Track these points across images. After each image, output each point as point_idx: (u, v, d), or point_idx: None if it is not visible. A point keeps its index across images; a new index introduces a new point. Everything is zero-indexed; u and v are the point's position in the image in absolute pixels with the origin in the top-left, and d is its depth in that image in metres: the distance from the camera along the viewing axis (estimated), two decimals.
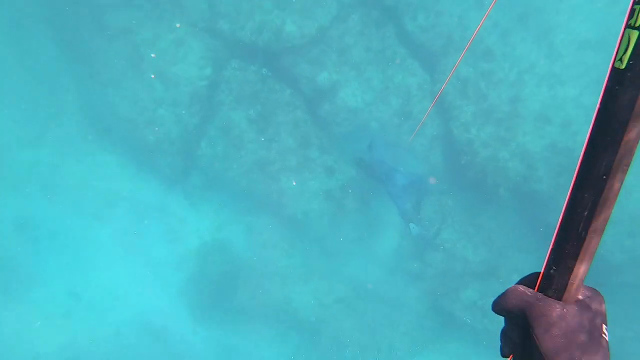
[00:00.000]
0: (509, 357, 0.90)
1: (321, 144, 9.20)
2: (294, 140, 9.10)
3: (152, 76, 9.32)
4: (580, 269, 0.78)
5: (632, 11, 0.70)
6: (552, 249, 0.80)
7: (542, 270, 0.85)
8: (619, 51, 0.70)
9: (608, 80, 0.71)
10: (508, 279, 8.64)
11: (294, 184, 9.20)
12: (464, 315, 8.70)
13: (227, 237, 9.80)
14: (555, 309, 0.76)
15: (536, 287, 0.83)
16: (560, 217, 0.78)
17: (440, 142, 8.91)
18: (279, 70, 9.38)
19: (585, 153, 0.74)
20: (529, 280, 0.86)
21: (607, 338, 0.77)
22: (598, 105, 0.73)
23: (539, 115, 8.45)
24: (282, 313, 9.25)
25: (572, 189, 0.77)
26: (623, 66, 0.69)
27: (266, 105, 9.29)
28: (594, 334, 0.75)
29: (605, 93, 0.72)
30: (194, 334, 9.69)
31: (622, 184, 0.73)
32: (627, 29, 0.70)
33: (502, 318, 0.89)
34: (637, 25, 0.68)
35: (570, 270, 0.78)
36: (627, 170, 0.74)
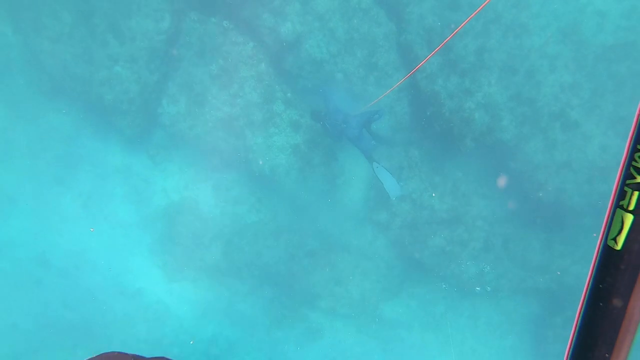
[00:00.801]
0: None
1: (286, 98, 9.02)
2: (258, 94, 8.88)
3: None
4: None
5: (624, 192, 0.67)
6: None
7: None
8: (611, 231, 0.67)
9: (600, 258, 0.69)
10: (473, 225, 8.93)
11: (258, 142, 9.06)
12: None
13: (195, 195, 9.68)
14: None
15: None
16: None
17: (406, 93, 8.86)
18: (241, 22, 8.99)
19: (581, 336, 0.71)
20: None
21: None
22: (587, 281, 0.71)
23: (504, 66, 8.46)
24: (254, 268, 9.36)
25: None
26: (618, 247, 0.67)
27: (228, 60, 8.96)
28: None
29: (599, 269, 0.70)
30: (168, 293, 9.74)
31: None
32: (618, 209, 0.67)
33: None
34: (630, 208, 0.65)
35: None
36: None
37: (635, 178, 0.65)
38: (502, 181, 8.72)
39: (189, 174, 9.77)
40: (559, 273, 9.03)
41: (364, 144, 7.86)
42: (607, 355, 0.75)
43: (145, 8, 8.80)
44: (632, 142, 0.66)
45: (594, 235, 8.61)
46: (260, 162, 9.19)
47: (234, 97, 9.07)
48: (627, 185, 0.65)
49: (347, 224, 9.45)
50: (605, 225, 0.67)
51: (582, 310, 0.73)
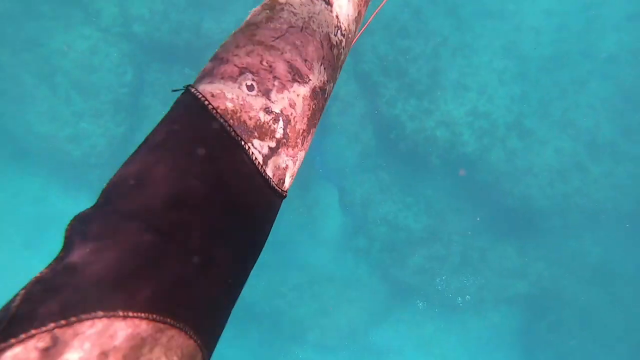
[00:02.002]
0: None
1: None
2: None
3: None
4: None
5: None
6: None
7: None
8: None
9: None
10: (449, 240, 9.08)
11: None
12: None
13: None
14: None
15: None
16: None
17: (369, 119, 9.19)
18: (202, 67, 9.24)
19: None
20: None
21: None
22: None
23: (457, 84, 8.92)
24: (238, 310, 9.13)
25: None
26: None
27: None
28: None
29: None
30: None
31: None
32: None
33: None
34: None
35: None
36: None
37: None
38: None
39: None
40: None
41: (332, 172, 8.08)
42: None
43: (107, 63, 9.00)
44: None
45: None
46: None
47: None
48: None
49: (327, 254, 9.47)
50: None
51: None
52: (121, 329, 0.44)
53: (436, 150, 8.81)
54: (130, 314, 0.45)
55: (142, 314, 0.46)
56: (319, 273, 9.37)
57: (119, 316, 0.45)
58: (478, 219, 9.15)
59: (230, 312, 0.62)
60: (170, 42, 9.13)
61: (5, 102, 8.87)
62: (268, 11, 0.70)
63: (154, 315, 0.47)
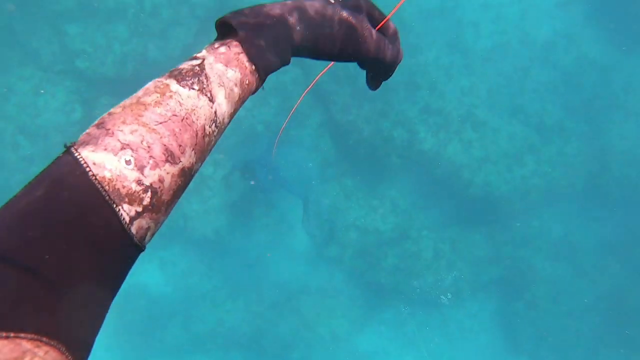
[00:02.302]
0: None
1: (214, 160, 9.11)
2: None
3: None
4: None
5: None
6: None
7: None
8: None
9: None
10: (419, 236, 9.20)
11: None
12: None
13: (142, 279, 9.33)
14: None
15: None
16: None
17: (325, 128, 9.26)
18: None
19: None
20: None
21: None
22: None
23: (408, 84, 9.10)
24: (218, 337, 9.01)
25: None
26: None
27: None
28: None
29: None
30: None
31: None
32: None
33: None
34: None
35: None
36: None
37: None
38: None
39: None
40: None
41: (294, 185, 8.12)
42: None
43: (53, 103, 8.75)
44: None
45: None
46: (202, 228, 9.09)
47: None
48: None
49: (300, 267, 9.44)
50: None
51: None
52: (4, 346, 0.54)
53: (395, 150, 8.95)
54: (12, 334, 0.55)
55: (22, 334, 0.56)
56: (294, 288, 9.33)
57: (2, 337, 0.54)
58: (446, 209, 9.32)
59: (101, 325, 0.72)
60: (116, 74, 8.96)
61: None
62: (158, 95, 0.79)
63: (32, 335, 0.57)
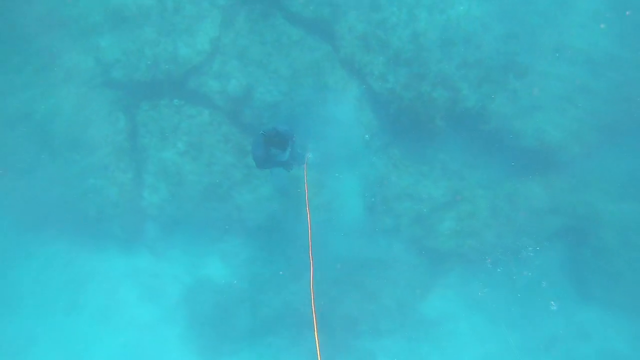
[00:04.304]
0: None
1: None
2: (230, 155, 9.02)
3: None
4: None
5: None
6: None
7: None
8: None
9: None
10: (474, 195, 8.94)
11: None
12: (480, 291, 9.04)
13: (207, 271, 9.66)
14: None
15: None
16: None
17: (365, 101, 9.04)
18: (189, 95, 9.23)
19: None
20: None
21: None
22: None
23: (442, 41, 8.70)
24: (287, 319, 9.17)
25: None
26: None
27: (191, 133, 9.10)
28: None
29: None
30: None
31: None
32: None
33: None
34: None
35: None
36: None
37: None
38: None
39: (193, 253, 9.74)
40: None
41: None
42: None
43: (98, 114, 8.99)
44: None
45: None
46: (256, 216, 9.19)
47: (209, 165, 9.17)
48: None
49: (358, 242, 9.38)
50: None
51: None
52: None
53: (438, 112, 8.69)
54: None
55: None
56: (354, 263, 9.35)
57: None
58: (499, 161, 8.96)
59: None
60: (152, 78, 9.11)
61: (8, 180, 8.95)
62: None
63: None
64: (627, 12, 8.73)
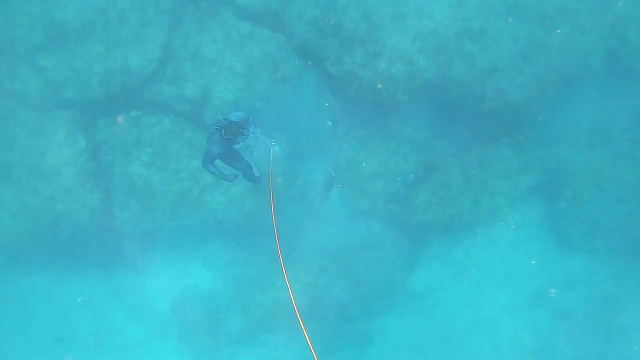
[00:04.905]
0: None
1: None
2: (196, 159, 8.81)
3: None
4: None
5: None
6: None
7: None
8: None
9: None
10: (445, 164, 8.99)
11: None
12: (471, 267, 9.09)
13: (192, 280, 9.54)
14: None
15: None
16: None
17: (324, 86, 8.97)
18: (147, 105, 9.02)
19: None
20: None
21: None
22: None
23: (394, 16, 8.64)
24: (278, 315, 9.12)
25: None
26: None
27: (154, 144, 8.91)
28: None
29: None
30: None
31: None
32: None
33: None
34: None
35: None
36: None
37: None
38: None
39: (175, 264, 9.62)
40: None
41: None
42: None
43: (56, 138, 8.71)
44: None
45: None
46: (233, 217, 9.07)
47: (176, 172, 9.03)
48: None
49: (338, 228, 9.37)
50: None
51: None
52: None
53: (399, 87, 8.65)
54: None
55: None
56: (337, 249, 9.34)
57: None
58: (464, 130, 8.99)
59: None
60: (105, 93, 8.88)
61: None
62: None
63: None
64: None
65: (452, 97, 8.77)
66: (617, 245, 9.24)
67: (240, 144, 6.64)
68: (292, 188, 9.26)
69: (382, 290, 9.24)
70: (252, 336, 9.27)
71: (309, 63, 8.99)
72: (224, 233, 9.22)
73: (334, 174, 8.83)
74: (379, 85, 8.61)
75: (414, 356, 9.40)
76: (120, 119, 8.98)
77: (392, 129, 9.04)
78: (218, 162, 6.73)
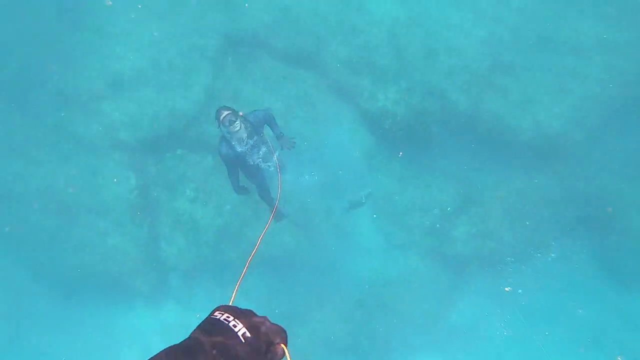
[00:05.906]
0: None
1: None
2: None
3: None
4: None
5: None
6: None
7: None
8: None
9: None
10: (483, 197, 8.86)
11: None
12: (504, 286, 8.88)
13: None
14: None
15: None
16: None
17: (359, 123, 9.21)
18: (191, 144, 9.54)
19: None
20: None
21: None
22: None
23: (425, 52, 8.86)
24: (317, 347, 9.06)
25: None
26: None
27: (197, 180, 9.37)
28: None
29: None
30: None
31: None
32: None
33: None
34: None
35: None
36: None
37: None
38: None
39: (216, 296, 9.76)
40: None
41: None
42: None
43: (109, 177, 9.35)
44: None
45: None
46: (271, 248, 9.27)
47: (219, 207, 9.37)
48: None
49: (375, 261, 9.33)
50: None
51: None
52: None
53: (432, 121, 8.72)
54: None
55: None
56: (375, 283, 9.26)
57: None
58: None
59: None
60: (154, 134, 9.47)
61: (28, 250, 9.29)
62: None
63: None
64: None
65: (487, 128, 8.78)
66: None
67: (231, 132, 6.10)
68: (326, 222, 9.39)
69: (422, 325, 9.03)
70: None
71: (344, 100, 9.33)
72: (262, 267, 9.40)
73: (364, 201, 8.89)
74: (412, 119, 8.78)
75: None
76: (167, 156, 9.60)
77: (426, 163, 9.10)
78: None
